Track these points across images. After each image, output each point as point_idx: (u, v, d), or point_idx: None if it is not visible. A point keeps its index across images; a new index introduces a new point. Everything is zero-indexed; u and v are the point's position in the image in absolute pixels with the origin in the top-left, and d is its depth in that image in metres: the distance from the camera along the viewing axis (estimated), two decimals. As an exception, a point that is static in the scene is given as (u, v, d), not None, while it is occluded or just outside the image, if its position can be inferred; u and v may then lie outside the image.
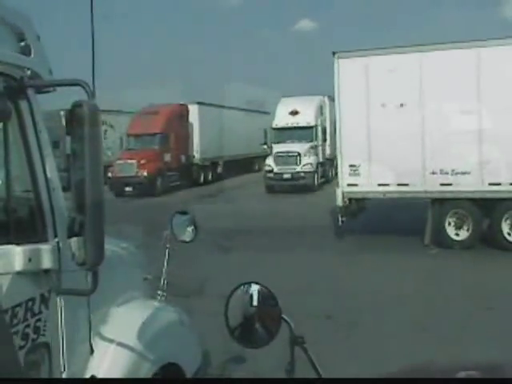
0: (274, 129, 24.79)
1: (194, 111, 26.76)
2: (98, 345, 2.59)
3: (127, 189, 23.26)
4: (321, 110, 24.78)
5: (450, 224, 11.31)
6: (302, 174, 22.99)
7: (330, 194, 12.94)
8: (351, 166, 11.76)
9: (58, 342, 2.33)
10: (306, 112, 24.14)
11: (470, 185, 10.97)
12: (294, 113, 24.24)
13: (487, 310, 7.16)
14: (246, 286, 2.03)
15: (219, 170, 28.97)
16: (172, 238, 3.87)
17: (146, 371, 2.71)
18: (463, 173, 10.99)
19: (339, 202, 11.93)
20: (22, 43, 2.37)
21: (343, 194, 11.89)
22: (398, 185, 11.42)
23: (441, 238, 11.33)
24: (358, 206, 12.64)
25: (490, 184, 10.85)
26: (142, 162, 23.34)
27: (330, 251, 10.90)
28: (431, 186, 11.25)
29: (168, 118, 24.97)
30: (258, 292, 2.00)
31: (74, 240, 2.04)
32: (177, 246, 3.94)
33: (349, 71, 11.74)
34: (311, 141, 23.88)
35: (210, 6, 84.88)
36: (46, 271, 2.24)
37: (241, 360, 5.07)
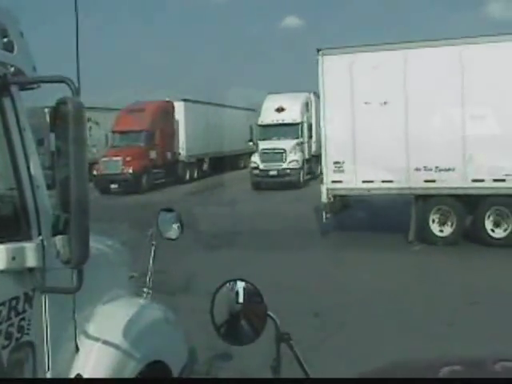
0: (260, 126, 24.80)
1: (179, 108, 26.66)
2: (84, 343, 2.57)
3: (113, 186, 23.13)
4: (307, 107, 24.83)
5: (433, 220, 11.41)
6: (288, 171, 23.04)
7: (315, 190, 12.96)
8: (335, 162, 11.80)
9: (42, 341, 2.31)
10: (291, 109, 24.17)
11: (453, 181, 11.08)
12: (280, 109, 24.27)
13: (472, 304, 7.24)
14: (231, 283, 2.03)
15: (205, 167, 28.91)
16: (158, 236, 3.86)
17: (131, 369, 2.70)
18: (447, 169, 11.09)
19: (324, 198, 11.97)
20: (5, 39, 2.34)
21: (327, 190, 11.93)
22: (383, 181, 11.49)
23: (425, 234, 11.42)
24: (342, 202, 12.71)
25: (474, 180, 10.96)
26: (128, 159, 23.22)
27: (315, 248, 10.93)
28: (415, 182, 11.33)
29: (153, 114, 24.85)
30: (244, 289, 2.00)
31: (58, 238, 2.02)
32: (162, 244, 3.93)
33: (333, 68, 11.77)
34: (297, 137, 23.93)
35: (197, 4, 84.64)
36: (31, 269, 2.21)
37: (227, 357, 5.07)
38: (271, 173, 23.08)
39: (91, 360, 2.55)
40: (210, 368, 5.11)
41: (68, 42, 2.24)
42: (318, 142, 21.40)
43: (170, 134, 25.80)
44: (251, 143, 26.20)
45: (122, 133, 24.53)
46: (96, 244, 2.83)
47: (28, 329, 2.24)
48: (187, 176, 26.88)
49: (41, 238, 2.27)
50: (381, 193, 11.97)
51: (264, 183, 23.12)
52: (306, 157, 24.32)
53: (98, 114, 27.93)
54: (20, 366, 2.25)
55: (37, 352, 2.29)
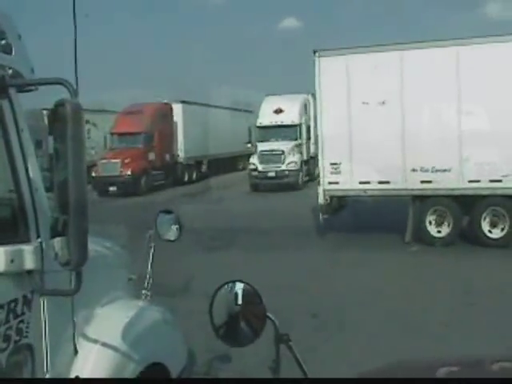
0: (259, 127, 24.79)
1: (178, 110, 26.66)
2: (83, 345, 2.56)
3: (111, 188, 23.11)
4: (305, 109, 24.83)
5: (430, 221, 11.42)
6: (287, 173, 23.04)
7: (313, 192, 12.98)
8: (332, 164, 11.82)
9: (41, 344, 2.30)
10: (290, 110, 24.18)
11: (450, 182, 11.09)
12: (279, 111, 24.27)
13: (469, 305, 7.25)
14: (230, 284, 2.03)
15: (203, 168, 28.91)
16: (156, 237, 3.86)
17: (130, 371, 2.69)
18: (443, 170, 11.11)
19: (320, 199, 11.99)
20: (3, 41, 2.34)
21: (324, 191, 11.95)
22: (379, 182, 11.50)
23: (421, 235, 11.43)
24: (339, 203, 12.73)
25: (470, 181, 10.98)
26: (126, 161, 23.22)
27: (312, 249, 10.94)
28: (412, 183, 11.35)
29: (152, 116, 24.86)
30: (243, 290, 2.00)
31: (57, 240, 2.02)
32: (161, 246, 3.93)
33: (330, 70, 11.78)
34: (295, 139, 23.93)
35: (195, 5, 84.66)
36: (29, 272, 2.21)
37: (226, 359, 5.07)
38: (270, 174, 23.08)
39: (90, 362, 2.54)
40: (209, 370, 5.10)
41: (66, 43, 2.24)
42: (317, 143, 21.46)
43: (169, 136, 25.80)
44: (249, 145, 26.19)
45: (120, 135, 24.53)
46: (95, 246, 2.83)
47: (27, 331, 2.23)
48: (186, 178, 26.88)
49: (39, 240, 2.26)
50: (377, 194, 11.98)
51: (262, 185, 23.12)
52: (305, 158, 24.33)
53: (97, 116, 27.96)
54: (19, 368, 2.24)
55: (35, 354, 2.28)
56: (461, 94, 10.87)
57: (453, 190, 11.13)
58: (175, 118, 26.57)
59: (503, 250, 10.55)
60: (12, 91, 2.29)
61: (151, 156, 24.45)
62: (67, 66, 2.26)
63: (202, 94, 32.30)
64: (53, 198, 2.06)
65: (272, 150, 23.24)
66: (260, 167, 23.16)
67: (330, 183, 11.89)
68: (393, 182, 11.44)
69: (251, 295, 2.00)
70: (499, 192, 10.87)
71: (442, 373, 1.90)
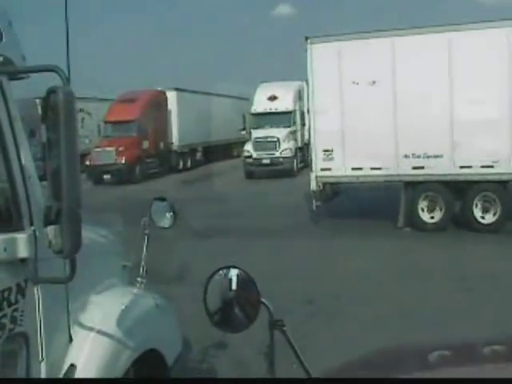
0: (253, 114, 24.71)
1: (172, 97, 26.54)
2: (77, 333, 2.56)
3: (105, 176, 23.07)
4: (299, 95, 24.72)
5: (422, 207, 11.46)
6: (281, 160, 23.02)
7: (308, 178, 12.98)
8: (325, 150, 11.82)
9: (35, 332, 2.30)
10: (284, 97, 24.10)
11: (441, 168, 11.12)
12: (273, 98, 24.19)
13: (466, 291, 7.30)
14: (224, 270, 2.02)
15: (198, 156, 28.85)
16: (151, 225, 3.86)
17: (126, 358, 2.70)
18: (435, 156, 11.14)
19: (313, 186, 12.01)
20: (-7, 29, 2.32)
21: (317, 178, 11.96)
22: (372, 169, 11.52)
23: (414, 220, 11.49)
24: (332, 190, 12.75)
25: (462, 167, 11.01)
26: (121, 149, 23.13)
27: (306, 236, 10.97)
28: (404, 169, 11.38)
29: (146, 104, 24.73)
30: (237, 276, 2.00)
31: (50, 228, 2.02)
32: (156, 233, 3.93)
33: (322, 56, 11.74)
34: (290, 126, 23.88)
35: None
36: (23, 260, 2.21)
37: (221, 345, 5.09)
38: (264, 161, 23.06)
39: (85, 350, 2.55)
40: (204, 356, 5.13)
41: (58, 31, 2.22)
42: (309, 130, 21.43)
43: (163, 124, 25.70)
44: (244, 132, 26.11)
45: (114, 123, 24.40)
46: (89, 234, 2.83)
47: (21, 320, 2.24)
48: (180, 165, 26.83)
49: (33, 228, 2.26)
50: (370, 180, 12.02)
51: (257, 172, 23.10)
52: (299, 145, 24.29)
53: (90, 104, 27.78)
54: (14, 356, 2.25)
55: (30, 343, 2.29)
56: (453, 80, 10.87)
57: (445, 175, 11.17)
58: (169, 106, 26.45)
59: (495, 234, 10.61)
60: (3, 78, 2.27)
61: (145, 144, 24.36)
62: (60, 53, 2.25)
63: (195, 82, 32.19)
64: (46, 187, 2.06)
65: (266, 137, 23.20)
66: (255, 154, 23.13)
67: (322, 170, 11.91)
68: (385, 168, 11.46)
69: (245, 281, 2.00)
70: (490, 178, 10.92)
71: (433, 357, 1.91)
